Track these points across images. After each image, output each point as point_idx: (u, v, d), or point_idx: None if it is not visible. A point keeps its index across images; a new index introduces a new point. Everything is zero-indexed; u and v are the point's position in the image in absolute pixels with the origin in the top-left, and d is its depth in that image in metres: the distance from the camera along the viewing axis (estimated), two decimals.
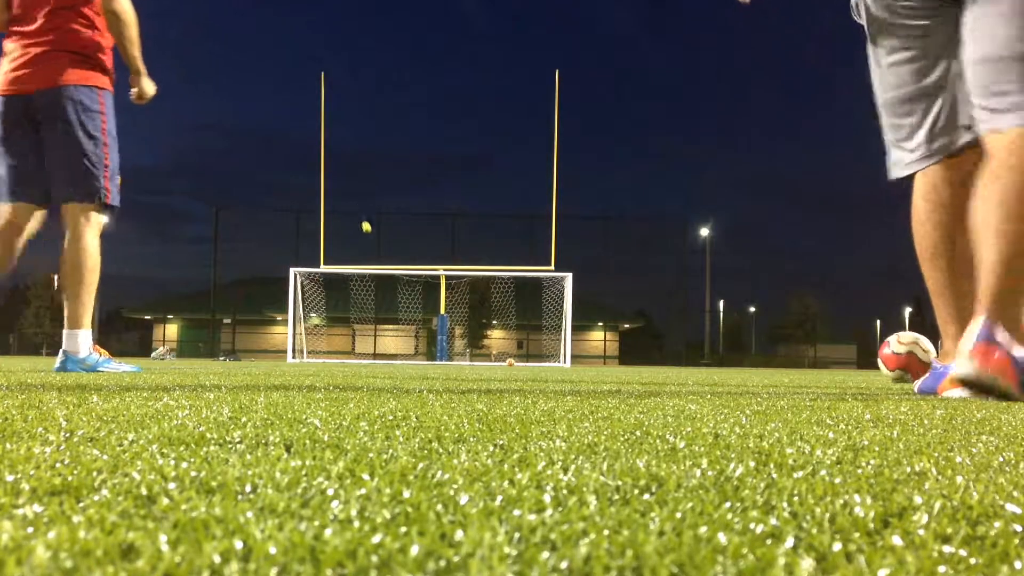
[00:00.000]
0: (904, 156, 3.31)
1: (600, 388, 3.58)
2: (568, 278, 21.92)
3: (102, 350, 4.15)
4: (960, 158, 3.13)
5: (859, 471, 1.00)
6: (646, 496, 0.79)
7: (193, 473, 0.86)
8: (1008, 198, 2.63)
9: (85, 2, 3.59)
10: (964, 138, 3.12)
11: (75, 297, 3.58)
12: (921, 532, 0.65)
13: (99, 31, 3.64)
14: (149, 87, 3.94)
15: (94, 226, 3.63)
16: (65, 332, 3.66)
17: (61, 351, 3.75)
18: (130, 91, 3.90)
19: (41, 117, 3.51)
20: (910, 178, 3.34)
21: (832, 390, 4.01)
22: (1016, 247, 2.65)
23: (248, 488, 0.79)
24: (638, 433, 1.41)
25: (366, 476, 0.86)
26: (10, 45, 3.62)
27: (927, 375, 3.45)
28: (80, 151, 3.53)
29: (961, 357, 2.84)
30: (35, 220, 3.64)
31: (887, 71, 3.22)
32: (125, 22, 3.62)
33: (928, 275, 3.23)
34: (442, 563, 0.53)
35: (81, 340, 3.64)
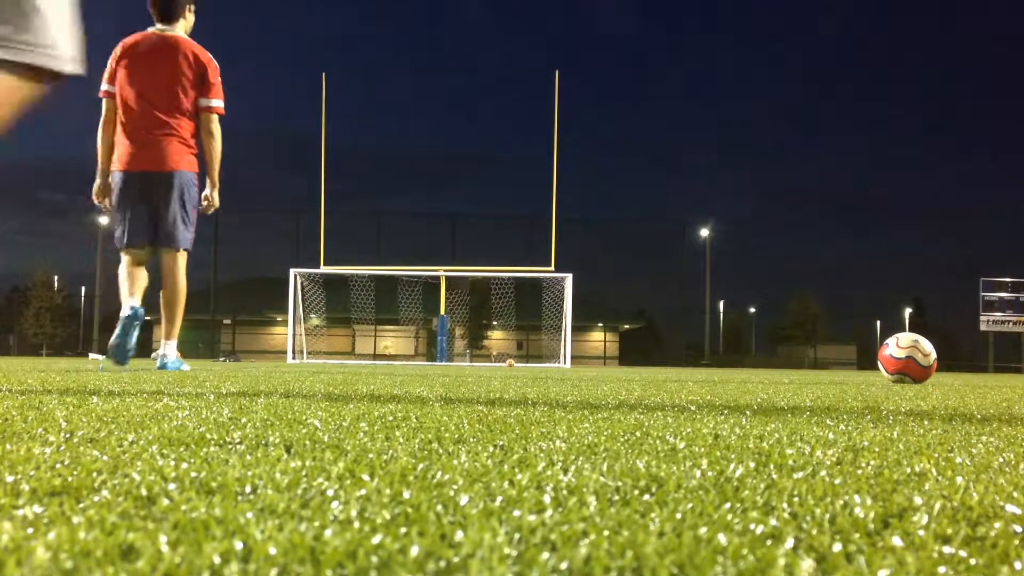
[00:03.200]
0: None
1: (600, 389, 3.58)
2: (568, 279, 21.92)
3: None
4: None
5: (859, 472, 1.00)
6: (646, 497, 0.79)
7: (193, 474, 0.86)
8: None
9: (201, 101, 4.65)
10: None
11: (172, 318, 4.75)
12: (921, 533, 0.65)
13: (195, 132, 4.72)
14: (217, 199, 4.91)
15: (183, 265, 4.71)
16: (164, 342, 4.84)
17: (161, 355, 4.87)
18: (202, 200, 4.89)
19: (158, 190, 4.53)
20: None
21: (832, 391, 4.01)
22: None
23: (248, 489, 0.79)
24: (638, 434, 1.41)
25: (366, 477, 0.86)
26: (127, 114, 4.56)
27: None
28: (184, 217, 4.65)
29: None
30: (146, 257, 4.73)
31: None
32: (216, 141, 4.71)
33: None
34: (442, 564, 0.53)
35: (173, 348, 4.89)
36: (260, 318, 42.12)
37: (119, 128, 4.58)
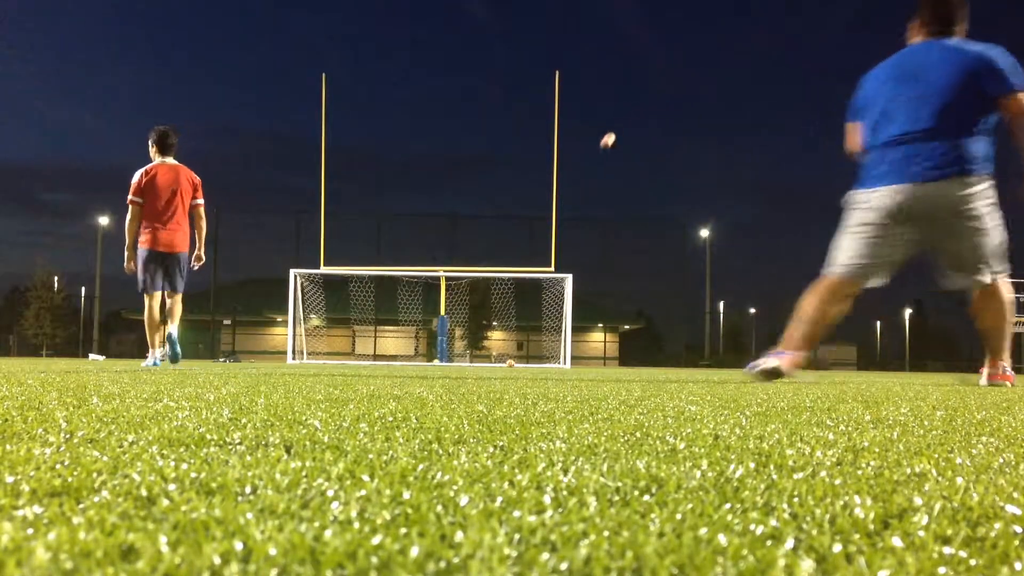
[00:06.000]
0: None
1: (600, 389, 3.58)
2: (568, 279, 21.91)
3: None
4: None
5: (859, 472, 1.00)
6: (646, 497, 0.79)
7: (193, 474, 0.86)
8: None
9: (193, 202, 7.20)
10: None
11: (174, 319, 7.18)
12: (921, 533, 0.65)
13: (189, 221, 7.26)
14: (203, 257, 7.47)
15: (180, 298, 7.21)
16: (171, 324, 7.17)
17: (168, 332, 7.17)
18: (194, 259, 7.41)
19: (170, 262, 7.06)
20: None
21: (832, 391, 4.01)
22: None
23: (248, 489, 0.79)
24: (638, 434, 1.41)
25: (366, 477, 0.86)
26: (150, 216, 7.01)
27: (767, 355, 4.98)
28: (183, 275, 7.16)
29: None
30: (160, 297, 7.16)
31: None
32: (203, 223, 7.35)
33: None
34: (442, 564, 0.53)
35: (176, 327, 7.22)
36: (260, 318, 42.13)
37: (145, 222, 7.04)
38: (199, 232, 7.40)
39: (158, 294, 7.16)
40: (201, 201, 7.34)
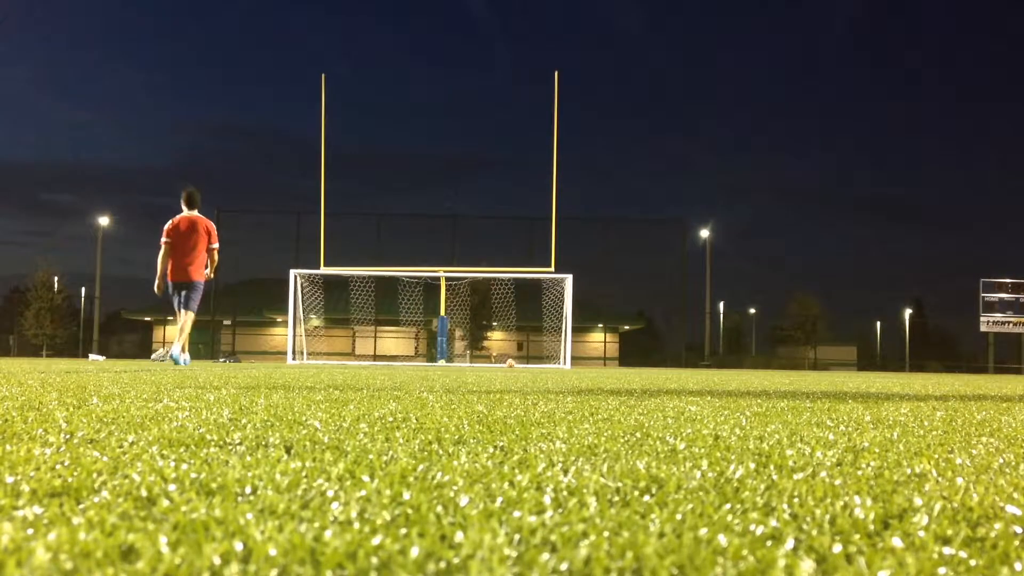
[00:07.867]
0: None
1: (600, 390, 3.58)
2: (568, 279, 21.91)
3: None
4: None
5: (859, 473, 1.00)
6: (646, 498, 0.79)
7: (193, 475, 0.86)
8: None
9: (209, 246, 9.41)
10: None
11: (183, 335, 9.29)
12: (921, 534, 0.65)
13: (206, 259, 9.53)
14: (213, 273, 9.67)
15: (192, 316, 9.35)
16: (177, 344, 9.30)
17: (169, 354, 9.43)
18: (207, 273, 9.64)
19: (186, 287, 9.23)
20: None
21: (832, 392, 4.02)
22: None
23: (248, 490, 0.79)
24: (638, 435, 1.41)
25: (366, 478, 0.86)
26: (174, 254, 9.23)
27: None
28: (196, 297, 9.26)
29: None
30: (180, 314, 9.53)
31: None
32: (216, 262, 9.58)
33: None
34: (442, 564, 0.53)
35: (179, 347, 9.31)
36: (260, 319, 42.13)
37: (172, 259, 9.27)
38: (212, 265, 9.96)
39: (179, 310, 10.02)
40: (216, 245, 9.88)
